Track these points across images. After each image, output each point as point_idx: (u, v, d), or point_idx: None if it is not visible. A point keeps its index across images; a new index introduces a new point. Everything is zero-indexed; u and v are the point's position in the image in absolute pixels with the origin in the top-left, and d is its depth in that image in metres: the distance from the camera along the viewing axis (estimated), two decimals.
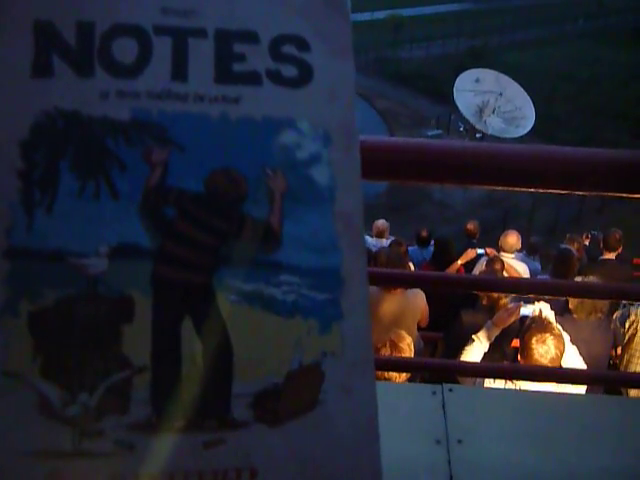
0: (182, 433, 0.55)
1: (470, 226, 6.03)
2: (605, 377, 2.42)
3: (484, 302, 3.37)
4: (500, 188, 1.05)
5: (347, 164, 0.61)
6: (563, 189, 1.04)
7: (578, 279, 3.69)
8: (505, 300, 3.24)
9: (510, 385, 2.30)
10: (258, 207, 0.58)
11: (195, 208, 0.57)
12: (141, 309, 0.55)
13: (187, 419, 0.55)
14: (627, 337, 3.54)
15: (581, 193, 1.05)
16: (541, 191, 1.01)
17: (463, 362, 2.55)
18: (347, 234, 0.60)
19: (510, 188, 1.05)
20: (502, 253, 4.79)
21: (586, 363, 2.64)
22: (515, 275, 4.55)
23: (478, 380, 2.42)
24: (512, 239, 4.89)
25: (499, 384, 2.32)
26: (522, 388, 2.22)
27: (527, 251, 5.67)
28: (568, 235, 5.86)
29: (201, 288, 0.56)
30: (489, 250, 5.00)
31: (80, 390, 0.54)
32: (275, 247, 0.58)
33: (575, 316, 3.15)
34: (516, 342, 2.78)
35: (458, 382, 2.42)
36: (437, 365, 2.15)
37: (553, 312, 2.68)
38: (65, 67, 0.58)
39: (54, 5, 0.58)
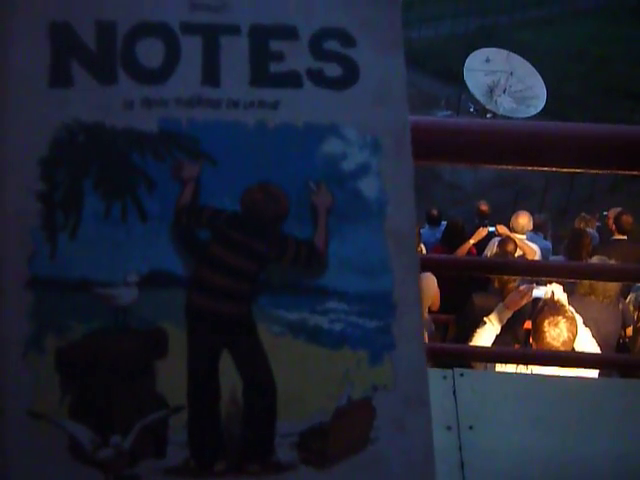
0: (222, 478, 0.50)
1: (483, 207, 5.95)
2: (618, 360, 2.38)
3: (496, 285, 3.32)
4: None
5: (398, 175, 0.55)
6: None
7: (594, 260, 3.63)
8: (514, 283, 3.19)
9: (522, 368, 2.26)
10: (301, 226, 0.53)
11: (231, 229, 0.52)
12: (175, 342, 0.50)
13: (227, 463, 0.50)
14: None
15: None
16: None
17: (474, 347, 2.51)
18: (399, 253, 0.54)
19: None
20: (513, 234, 4.71)
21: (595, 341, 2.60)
22: (529, 252, 4.49)
23: (490, 364, 2.40)
24: (523, 220, 4.80)
25: (511, 368, 2.29)
26: (534, 372, 2.19)
27: (534, 229, 5.63)
28: (582, 214, 5.79)
29: (240, 318, 0.51)
30: (500, 228, 4.92)
31: (112, 432, 0.49)
32: (320, 271, 0.52)
33: (582, 293, 3.13)
34: (528, 324, 2.74)
35: (470, 366, 2.40)
36: (448, 350, 2.12)
37: (565, 294, 2.64)
38: (85, 74, 0.52)
39: (71, 4, 0.52)
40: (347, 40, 0.56)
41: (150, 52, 0.53)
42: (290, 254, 0.52)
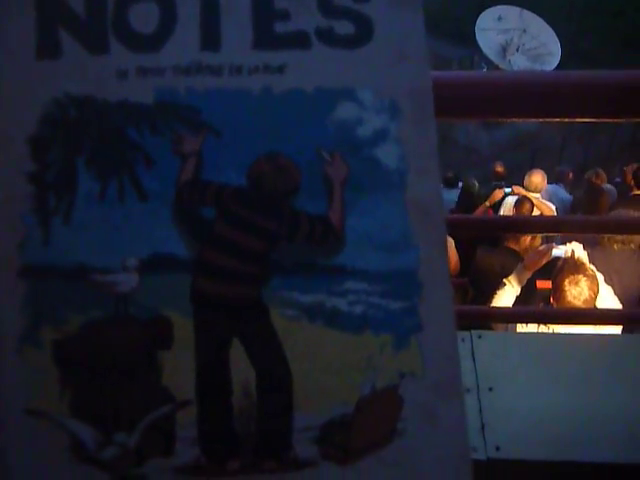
0: (236, 477, 0.46)
1: (498, 168, 5.93)
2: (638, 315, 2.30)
3: (511, 245, 3.27)
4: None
5: (420, 140, 0.49)
6: None
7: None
8: (527, 240, 3.16)
9: (544, 329, 2.21)
10: (314, 200, 0.48)
11: (238, 206, 0.47)
12: (181, 332, 0.46)
13: (241, 460, 0.46)
14: None
15: None
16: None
17: (492, 308, 2.46)
18: (424, 226, 0.49)
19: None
20: (529, 193, 4.67)
21: (617, 294, 2.52)
22: (546, 211, 4.42)
23: (510, 326, 2.35)
24: (537, 178, 4.77)
25: (532, 329, 2.24)
26: (555, 332, 2.13)
27: (556, 180, 5.55)
28: (594, 169, 5.69)
29: (250, 303, 0.47)
30: (516, 189, 4.86)
31: (116, 429, 0.46)
32: (337, 248, 0.48)
33: (614, 247, 3.05)
34: (543, 283, 2.70)
35: (490, 328, 2.38)
36: (466, 312, 2.07)
37: (582, 246, 2.58)
38: (74, 43, 0.48)
39: None
40: None
41: (144, 16, 0.48)
42: (303, 231, 0.47)
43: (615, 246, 3.13)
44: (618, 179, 6.17)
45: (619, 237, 3.10)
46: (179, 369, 0.46)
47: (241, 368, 0.46)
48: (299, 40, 0.49)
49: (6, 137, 0.47)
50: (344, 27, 0.50)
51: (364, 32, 0.50)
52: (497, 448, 1.04)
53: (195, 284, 0.46)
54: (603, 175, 5.78)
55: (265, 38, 0.49)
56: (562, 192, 5.30)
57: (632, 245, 3.16)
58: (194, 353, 0.46)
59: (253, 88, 0.48)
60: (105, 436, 0.46)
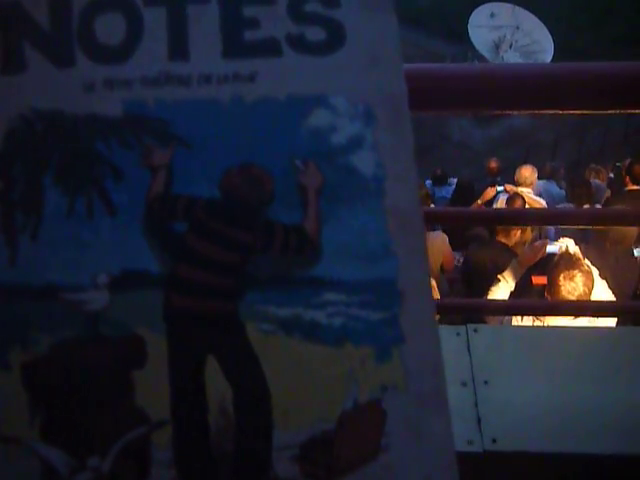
0: None
1: (492, 164, 5.98)
2: (634, 308, 2.30)
3: (502, 240, 3.28)
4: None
5: (397, 146, 0.48)
6: None
7: None
8: (517, 231, 3.15)
9: (538, 324, 2.21)
10: (288, 210, 0.47)
11: (210, 219, 0.46)
12: (154, 350, 0.44)
13: None
14: None
15: None
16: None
17: (486, 301, 2.47)
18: (403, 235, 0.48)
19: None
20: (520, 188, 4.71)
21: (611, 291, 2.53)
22: (537, 206, 4.48)
23: (505, 320, 2.35)
24: (526, 171, 4.88)
25: (527, 323, 2.24)
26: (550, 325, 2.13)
27: (548, 177, 5.58)
28: (591, 165, 5.73)
29: (225, 318, 0.45)
30: (508, 187, 4.91)
31: (89, 453, 0.44)
32: (313, 259, 0.46)
33: (598, 243, 3.07)
34: (538, 279, 2.72)
35: (485, 323, 2.39)
36: (459, 305, 2.07)
37: (574, 242, 2.59)
38: (39, 57, 0.47)
39: None
40: (330, 0, 0.49)
41: (110, 28, 0.47)
42: (278, 243, 0.46)
43: (608, 244, 3.15)
44: (611, 175, 6.22)
45: (612, 235, 3.12)
46: (153, 388, 0.44)
47: (217, 385, 0.45)
48: (269, 48, 0.48)
49: None
50: (315, 33, 0.49)
51: (336, 38, 0.49)
52: (493, 441, 1.05)
53: (168, 300, 0.45)
54: (604, 173, 5.83)
55: (234, 46, 0.48)
56: (554, 187, 5.39)
57: (624, 245, 3.17)
58: (168, 371, 0.44)
59: (223, 98, 0.47)
60: (78, 461, 0.44)
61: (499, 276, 2.59)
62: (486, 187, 5.08)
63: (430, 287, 0.48)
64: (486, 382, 1.19)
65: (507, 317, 2.35)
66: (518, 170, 4.89)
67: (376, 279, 0.47)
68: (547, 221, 1.89)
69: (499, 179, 5.66)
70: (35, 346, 0.44)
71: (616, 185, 5.40)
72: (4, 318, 0.44)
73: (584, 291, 2.25)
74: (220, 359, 0.45)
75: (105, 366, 0.45)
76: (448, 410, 0.47)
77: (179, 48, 0.47)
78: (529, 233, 3.30)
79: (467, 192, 4.99)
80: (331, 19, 0.49)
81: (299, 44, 0.48)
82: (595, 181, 5.17)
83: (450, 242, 3.84)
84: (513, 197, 4.25)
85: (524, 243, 3.21)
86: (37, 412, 0.44)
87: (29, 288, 0.45)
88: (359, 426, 0.46)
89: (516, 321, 2.29)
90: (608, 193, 5.05)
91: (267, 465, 0.45)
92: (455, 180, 5.50)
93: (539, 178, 5.17)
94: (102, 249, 0.45)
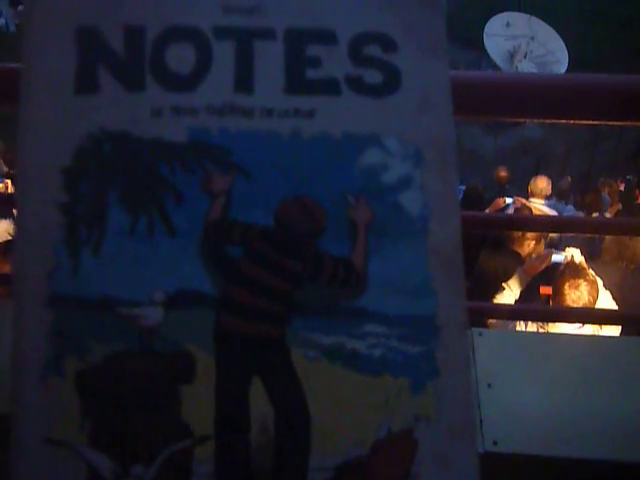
0: None
1: (501, 173, 5.98)
2: (638, 317, 2.31)
3: (513, 247, 3.28)
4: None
5: (442, 188, 0.51)
6: None
7: None
8: (530, 241, 3.15)
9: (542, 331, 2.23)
10: (338, 243, 0.49)
11: (264, 246, 0.48)
12: (203, 367, 0.47)
13: None
14: None
15: None
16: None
17: (492, 304, 2.48)
18: (443, 273, 0.50)
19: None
20: (532, 199, 4.72)
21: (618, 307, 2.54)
22: None
23: (510, 327, 2.37)
24: (542, 183, 4.86)
25: (531, 330, 2.26)
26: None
27: (558, 196, 5.57)
28: (601, 179, 5.74)
29: (272, 342, 0.47)
30: (517, 199, 4.91)
31: (134, 461, 0.46)
32: (359, 291, 0.49)
33: (607, 259, 3.08)
34: (546, 289, 2.74)
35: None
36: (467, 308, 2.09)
37: (583, 257, 2.60)
38: (112, 80, 0.49)
39: (98, 7, 0.50)
40: (389, 45, 0.52)
41: (180, 57, 0.50)
42: (326, 273, 0.48)
43: (610, 260, 3.16)
44: (622, 188, 6.23)
45: (616, 251, 3.13)
46: (199, 404, 0.46)
47: (260, 405, 0.47)
48: (329, 86, 0.51)
49: (41, 168, 0.48)
50: (373, 76, 0.51)
51: (392, 81, 0.51)
52: (494, 442, 1.07)
53: (219, 321, 0.47)
54: (614, 186, 5.85)
55: (296, 83, 0.50)
56: (563, 207, 5.33)
57: (632, 265, 3.19)
58: (215, 389, 0.47)
59: (283, 131, 0.50)
60: (122, 468, 0.46)
61: (504, 284, 2.60)
62: (495, 197, 5.05)
63: (466, 323, 0.50)
64: (489, 385, 1.20)
65: (511, 325, 2.37)
66: (533, 180, 4.86)
67: (416, 314, 0.49)
68: (555, 228, 1.90)
69: (507, 187, 5.62)
70: (90, 356, 0.46)
71: (627, 198, 5.42)
72: (62, 327, 0.46)
73: (589, 300, 2.26)
74: (265, 380, 0.47)
75: (155, 379, 0.47)
76: (475, 442, 0.49)
77: (244, 81, 0.50)
78: (542, 246, 3.31)
79: (476, 203, 4.92)
80: (388, 63, 0.52)
81: (357, 85, 0.51)
82: (601, 194, 5.20)
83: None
84: (520, 209, 4.24)
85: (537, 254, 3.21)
86: (87, 418, 0.46)
87: (88, 300, 0.47)
88: (391, 454, 0.48)
89: (520, 329, 2.31)
90: (619, 206, 5.07)
91: None
92: (463, 188, 5.51)
93: (551, 197, 5.16)
94: (159, 268, 0.47)
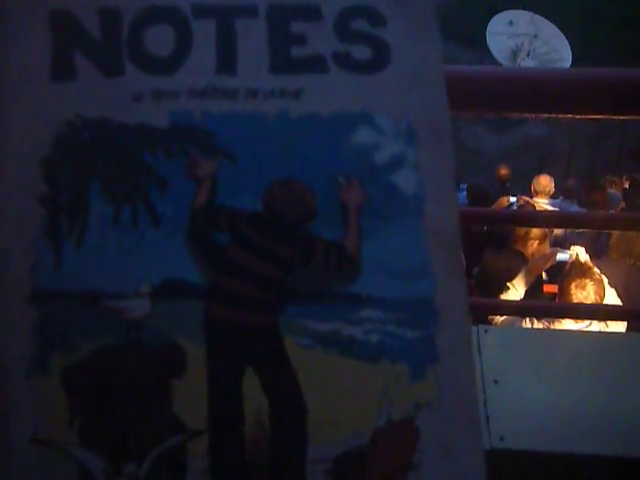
0: None
1: (503, 171, 5.96)
2: None
3: (516, 246, 3.26)
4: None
5: (437, 167, 0.49)
6: None
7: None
8: (534, 240, 3.14)
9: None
10: (330, 226, 0.47)
11: (253, 231, 0.47)
12: (193, 359, 0.45)
13: None
14: None
15: None
16: None
17: (498, 301, 2.48)
18: (441, 254, 0.48)
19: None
20: (535, 198, 4.71)
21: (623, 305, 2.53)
22: None
23: (516, 325, 2.36)
24: (545, 180, 4.87)
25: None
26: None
27: (564, 196, 5.55)
28: (607, 177, 5.72)
29: (264, 331, 0.46)
30: (521, 198, 4.89)
31: (126, 460, 0.44)
32: (353, 276, 0.47)
33: (613, 257, 3.06)
34: (547, 287, 2.70)
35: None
36: (471, 305, 2.09)
37: (588, 256, 2.59)
38: (89, 66, 0.47)
39: None
40: (377, 19, 0.50)
41: (159, 39, 0.48)
42: (318, 258, 0.47)
43: (616, 257, 3.15)
44: (626, 186, 6.20)
45: (624, 248, 3.11)
46: (191, 398, 0.45)
47: (254, 397, 0.45)
48: (316, 64, 0.49)
49: (19, 159, 0.46)
50: (361, 52, 0.49)
51: (381, 57, 0.49)
52: (501, 438, 1.07)
53: (208, 310, 0.45)
54: (619, 184, 5.81)
55: (281, 62, 0.49)
56: (570, 206, 5.33)
57: (639, 262, 3.17)
58: (206, 381, 0.45)
59: (269, 112, 0.48)
60: (114, 467, 0.44)
61: (508, 284, 2.59)
62: (498, 195, 5.04)
63: (466, 306, 0.48)
64: (496, 381, 1.20)
65: (517, 323, 2.36)
66: (536, 179, 4.86)
67: (413, 298, 0.47)
68: (560, 223, 1.90)
69: (509, 185, 5.60)
70: (76, 351, 0.45)
71: (631, 196, 5.40)
72: (46, 323, 0.45)
73: (596, 300, 2.26)
74: (258, 371, 0.45)
75: (144, 374, 0.45)
76: (479, 429, 0.47)
77: (227, 62, 0.48)
78: (546, 245, 3.29)
79: (481, 202, 4.92)
80: (377, 38, 0.50)
81: (345, 62, 0.49)
82: (610, 191, 5.15)
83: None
84: (523, 207, 4.22)
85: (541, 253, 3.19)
86: (75, 417, 0.44)
87: (72, 294, 0.45)
88: (392, 443, 0.46)
89: (525, 325, 2.31)
90: (623, 204, 5.04)
91: (301, 478, 0.45)
92: (465, 186, 5.48)
93: (557, 196, 5.12)
94: (145, 258, 0.46)
